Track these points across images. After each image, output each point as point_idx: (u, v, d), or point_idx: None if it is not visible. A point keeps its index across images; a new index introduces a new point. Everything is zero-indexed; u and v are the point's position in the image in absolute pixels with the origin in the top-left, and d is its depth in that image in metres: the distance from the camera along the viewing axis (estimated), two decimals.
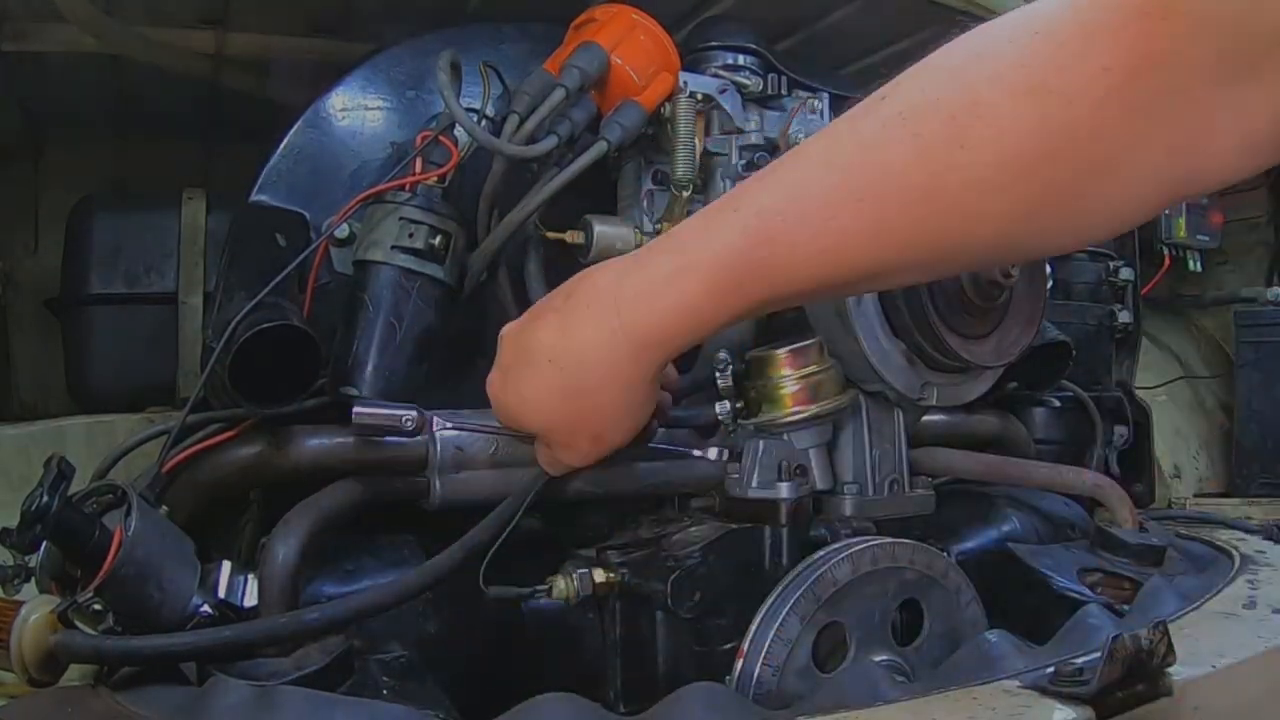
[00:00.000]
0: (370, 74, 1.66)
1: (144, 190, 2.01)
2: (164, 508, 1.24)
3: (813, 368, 1.56)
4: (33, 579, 1.13)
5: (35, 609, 1.02)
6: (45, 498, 0.97)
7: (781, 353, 1.57)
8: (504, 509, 1.36)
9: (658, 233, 1.61)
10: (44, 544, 1.07)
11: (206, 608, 1.13)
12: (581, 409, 1.16)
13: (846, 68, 2.20)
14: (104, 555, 1.04)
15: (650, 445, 1.43)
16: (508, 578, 1.36)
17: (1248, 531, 2.03)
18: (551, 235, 1.57)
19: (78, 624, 1.04)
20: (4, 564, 1.11)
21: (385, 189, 1.45)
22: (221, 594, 1.17)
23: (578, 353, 1.11)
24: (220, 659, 1.08)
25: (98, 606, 1.04)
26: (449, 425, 1.48)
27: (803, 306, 1.65)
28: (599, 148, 1.50)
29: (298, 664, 1.13)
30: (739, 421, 1.58)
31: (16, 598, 1.09)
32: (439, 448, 1.50)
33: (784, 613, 1.34)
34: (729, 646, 1.40)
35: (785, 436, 1.57)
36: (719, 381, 1.56)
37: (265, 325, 1.27)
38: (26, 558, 1.11)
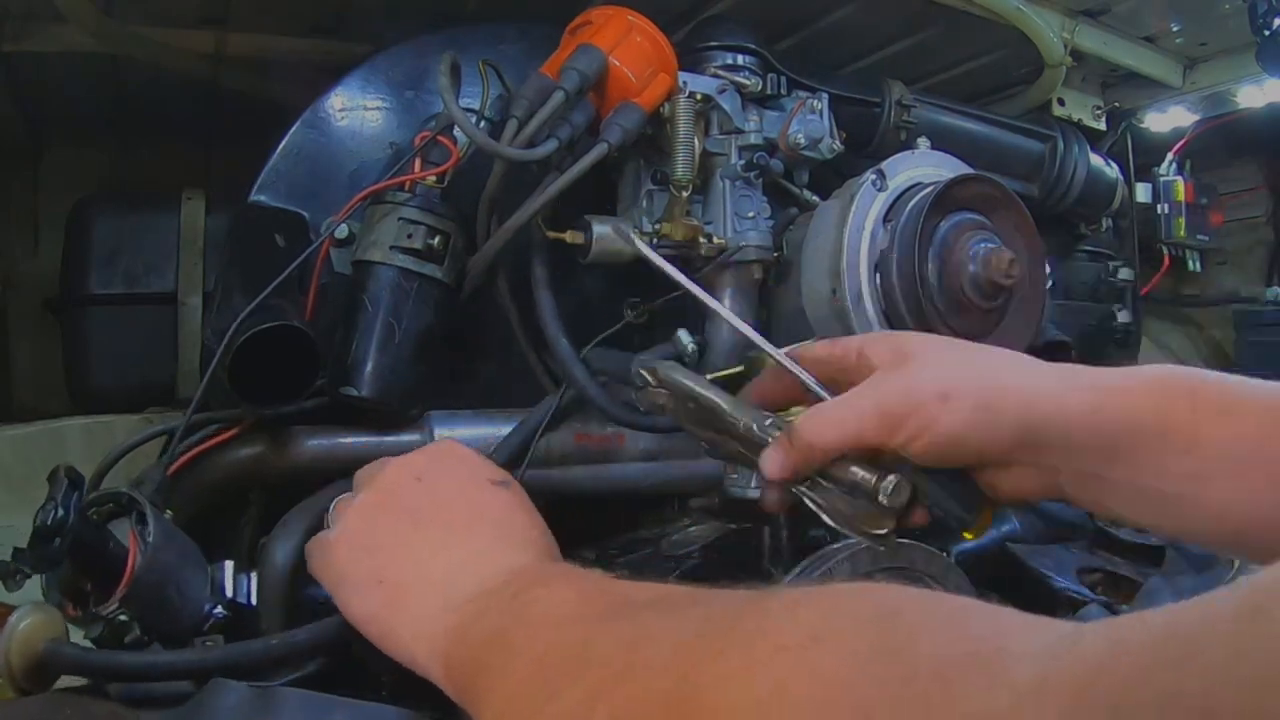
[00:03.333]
0: (369, 74, 1.66)
1: (144, 190, 2.01)
2: (168, 511, 1.24)
3: None
4: (40, 586, 1.11)
5: (25, 616, 0.97)
6: (60, 511, 0.92)
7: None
8: None
9: (658, 232, 1.61)
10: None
11: (220, 609, 1.13)
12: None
13: (846, 68, 2.20)
14: (119, 565, 1.01)
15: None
16: None
17: None
18: (551, 235, 1.57)
19: (105, 637, 1.02)
20: (3, 559, 1.09)
21: (383, 187, 1.45)
22: (228, 594, 1.17)
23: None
24: (206, 677, 1.04)
25: (124, 617, 1.01)
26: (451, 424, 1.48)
27: (802, 306, 1.65)
28: (599, 150, 1.49)
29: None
30: None
31: (12, 601, 1.07)
32: None
33: None
34: None
35: None
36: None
37: (264, 326, 1.27)
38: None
